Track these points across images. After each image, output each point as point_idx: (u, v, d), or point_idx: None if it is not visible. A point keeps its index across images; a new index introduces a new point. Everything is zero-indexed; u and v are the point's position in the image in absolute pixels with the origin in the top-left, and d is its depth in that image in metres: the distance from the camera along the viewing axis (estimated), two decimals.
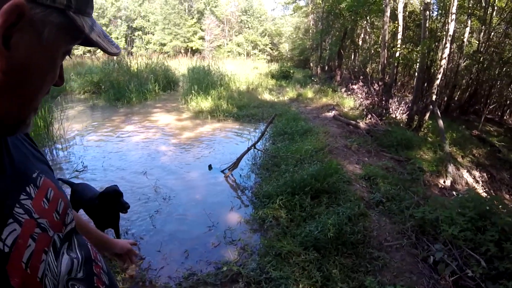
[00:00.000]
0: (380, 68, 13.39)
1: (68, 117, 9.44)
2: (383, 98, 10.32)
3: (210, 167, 5.70)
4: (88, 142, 7.30)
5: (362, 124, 8.29)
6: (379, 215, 3.99)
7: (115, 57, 17.29)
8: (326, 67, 24.43)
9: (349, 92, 13.62)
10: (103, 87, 13.49)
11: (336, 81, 17.51)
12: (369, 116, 9.19)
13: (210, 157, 6.28)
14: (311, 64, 28.16)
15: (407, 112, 9.74)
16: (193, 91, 11.44)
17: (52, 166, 3.31)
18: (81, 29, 0.59)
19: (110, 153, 6.56)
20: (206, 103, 10.67)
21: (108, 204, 3.01)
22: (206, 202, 4.52)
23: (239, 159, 5.51)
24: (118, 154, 6.50)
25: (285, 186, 4.28)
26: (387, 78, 12.83)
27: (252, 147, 5.80)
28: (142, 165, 5.84)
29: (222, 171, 5.51)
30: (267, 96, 13.24)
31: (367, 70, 17.55)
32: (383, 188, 4.64)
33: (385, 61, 12.50)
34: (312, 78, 18.94)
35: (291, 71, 21.33)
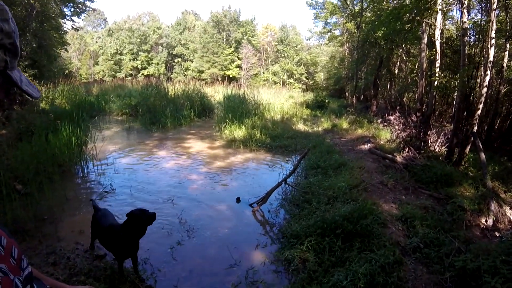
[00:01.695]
0: (417, 98, 12.91)
1: (104, 137, 9.77)
2: (421, 130, 9.85)
3: (238, 199, 5.54)
4: (119, 164, 7.43)
5: (399, 158, 7.89)
6: (415, 263, 3.62)
7: (153, 82, 17.98)
8: (362, 97, 24.01)
9: (385, 123, 13.19)
10: (140, 110, 13.96)
11: (372, 112, 17.08)
12: (407, 149, 8.76)
13: (239, 189, 6.14)
14: (347, 94, 27.70)
15: (446, 144, 9.20)
16: (227, 119, 11.51)
17: (82, 185, 3.31)
18: (17, 84, 0.69)
19: (140, 177, 6.61)
20: (239, 132, 10.66)
21: (138, 226, 3.00)
22: (231, 237, 4.35)
23: (268, 194, 5.32)
24: (147, 179, 6.53)
25: (315, 227, 4.02)
26: (424, 108, 12.32)
27: (283, 182, 5.61)
28: (170, 192, 5.80)
29: (251, 205, 5.34)
30: (301, 127, 13.07)
31: (404, 99, 17.03)
32: (421, 231, 4.23)
33: (423, 91, 12.04)
34: (348, 108, 18.58)
35: (326, 100, 21.14)
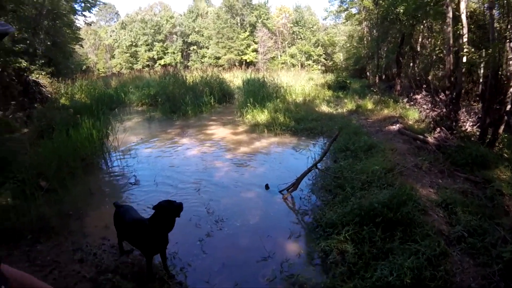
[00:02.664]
0: (446, 75, 12.27)
1: (125, 128, 9.72)
2: (452, 109, 9.35)
3: (267, 186, 5.32)
4: (142, 155, 7.35)
5: (430, 139, 7.49)
6: (461, 255, 3.31)
7: (171, 71, 17.82)
8: (384, 76, 23.22)
9: (411, 103, 12.66)
10: (159, 99, 13.86)
11: (396, 91, 16.43)
12: (438, 129, 8.32)
13: (267, 175, 5.91)
14: (368, 74, 26.83)
15: (478, 124, 8.71)
16: (248, 104, 11.24)
17: (106, 178, 3.10)
18: None
19: (164, 167, 6.49)
20: (262, 116, 10.39)
21: (167, 218, 2.89)
22: (262, 226, 4.15)
23: (299, 180, 5.06)
24: (172, 168, 6.40)
25: (352, 215, 3.76)
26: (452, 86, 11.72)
27: (314, 167, 5.35)
28: (196, 181, 5.64)
29: (281, 192, 5.10)
30: (324, 108, 12.68)
31: (429, 77, 16.29)
32: (464, 218, 3.88)
33: (451, 67, 11.41)
34: (372, 89, 17.95)
35: (348, 81, 20.54)
